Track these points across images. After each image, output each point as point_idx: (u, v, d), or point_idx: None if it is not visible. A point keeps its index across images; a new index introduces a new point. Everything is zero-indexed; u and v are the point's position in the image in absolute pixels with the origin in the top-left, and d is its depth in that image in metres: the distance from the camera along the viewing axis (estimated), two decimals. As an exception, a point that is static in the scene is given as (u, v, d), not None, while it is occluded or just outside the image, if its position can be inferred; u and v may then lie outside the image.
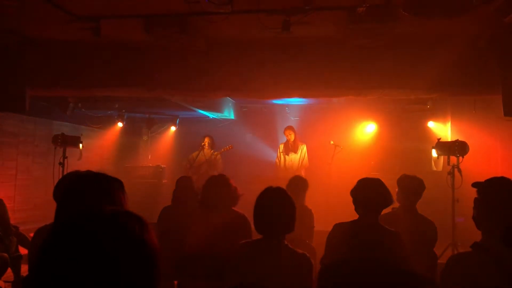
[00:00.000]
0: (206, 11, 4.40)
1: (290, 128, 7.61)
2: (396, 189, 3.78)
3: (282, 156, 7.63)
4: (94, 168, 1.93)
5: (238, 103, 9.35)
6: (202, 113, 9.07)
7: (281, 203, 2.46)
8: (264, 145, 9.29)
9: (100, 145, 9.13)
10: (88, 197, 1.77)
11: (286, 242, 2.43)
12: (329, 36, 5.41)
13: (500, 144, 7.12)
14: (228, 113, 9.14)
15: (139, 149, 10.16)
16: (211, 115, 9.21)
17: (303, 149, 7.58)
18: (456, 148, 5.60)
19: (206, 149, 7.91)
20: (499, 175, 2.11)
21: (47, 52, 6.12)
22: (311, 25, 4.80)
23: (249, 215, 2.68)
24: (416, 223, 3.64)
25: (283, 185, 3.89)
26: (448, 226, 5.51)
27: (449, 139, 5.87)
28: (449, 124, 7.81)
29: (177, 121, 9.98)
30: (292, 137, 7.52)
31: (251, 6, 4.48)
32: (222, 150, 7.84)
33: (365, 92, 5.97)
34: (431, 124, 8.23)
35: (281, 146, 7.71)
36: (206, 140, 7.94)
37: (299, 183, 4.81)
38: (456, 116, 7.65)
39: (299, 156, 7.55)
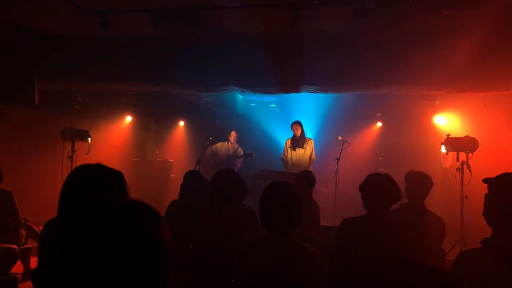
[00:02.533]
0: (214, 5, 4.39)
1: (297, 123, 7.59)
2: (404, 185, 3.76)
3: (289, 151, 7.62)
4: (102, 162, 1.94)
5: (245, 98, 9.35)
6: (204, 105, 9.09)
7: (286, 198, 2.45)
8: (272, 140, 9.29)
9: (109, 139, 9.16)
10: (95, 189, 1.79)
11: (292, 237, 2.43)
12: (338, 30, 5.38)
13: (510, 140, 7.05)
14: (236, 107, 9.14)
15: (147, 144, 10.19)
16: (218, 110, 9.22)
17: (310, 143, 7.56)
18: (465, 144, 5.55)
19: (231, 144, 7.98)
20: (509, 171, 2.08)
21: (56, 46, 6.15)
22: (320, 20, 4.78)
23: (257, 209, 2.68)
24: (424, 219, 3.62)
25: (290, 180, 3.89)
26: (457, 223, 5.48)
27: (458, 135, 5.81)
28: (458, 120, 7.74)
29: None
30: (298, 131, 7.51)
31: (259, 0, 4.47)
32: (242, 155, 7.89)
33: (373, 88, 5.94)
34: (440, 120, 8.17)
35: (288, 141, 7.69)
36: (233, 134, 7.99)
37: (306, 178, 4.80)
38: (465, 112, 7.58)
39: (307, 151, 7.54)
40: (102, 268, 0.79)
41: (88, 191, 1.78)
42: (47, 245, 0.87)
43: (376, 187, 2.91)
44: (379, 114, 8.88)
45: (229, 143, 8.04)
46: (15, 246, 4.47)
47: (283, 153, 7.76)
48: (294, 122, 7.64)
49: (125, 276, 0.80)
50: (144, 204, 0.91)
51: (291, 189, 2.51)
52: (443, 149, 5.91)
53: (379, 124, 8.96)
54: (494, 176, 2.04)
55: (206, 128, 8.65)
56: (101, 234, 0.82)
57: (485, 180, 2.05)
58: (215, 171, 4.99)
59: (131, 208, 0.88)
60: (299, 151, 7.54)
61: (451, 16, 4.35)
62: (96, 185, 1.80)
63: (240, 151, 7.97)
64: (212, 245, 3.25)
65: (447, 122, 8.04)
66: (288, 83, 5.98)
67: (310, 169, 7.44)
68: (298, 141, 7.54)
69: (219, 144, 8.08)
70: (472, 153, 5.55)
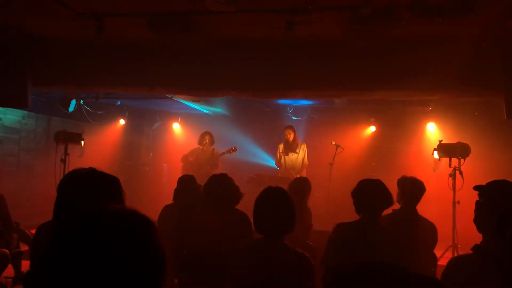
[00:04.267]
0: (210, 10, 4.40)
1: (289, 127, 7.62)
2: (397, 190, 3.78)
3: (282, 156, 7.64)
4: (96, 165, 1.94)
5: (239, 101, 9.35)
6: (199, 110, 9.09)
7: (281, 203, 2.47)
8: (265, 144, 9.30)
9: (102, 142, 9.13)
10: (90, 195, 1.78)
11: (286, 242, 2.44)
12: (333, 36, 5.41)
13: (501, 147, 7.12)
14: (222, 109, 9.14)
15: (140, 147, 10.17)
16: (205, 110, 9.20)
17: (303, 148, 7.58)
18: (458, 150, 5.60)
19: (207, 146, 7.90)
20: (500, 178, 2.11)
21: (49, 49, 6.13)
22: (315, 26, 4.80)
23: (250, 214, 2.68)
24: (416, 225, 3.64)
25: (284, 185, 3.91)
26: (449, 228, 5.52)
27: (451, 141, 5.86)
28: (451, 126, 7.80)
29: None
30: (291, 136, 7.52)
31: (255, 5, 4.49)
32: (226, 151, 7.81)
33: (367, 93, 5.97)
34: (433, 126, 8.24)
35: (281, 146, 7.72)
36: (207, 138, 7.93)
37: (303, 184, 4.80)
38: (458, 118, 7.65)
39: (300, 156, 7.55)
40: (97, 276, 0.80)
41: (84, 197, 1.77)
42: (42, 251, 0.87)
43: (368, 193, 2.93)
44: (372, 119, 8.94)
45: (203, 146, 7.93)
46: (6, 250, 4.43)
47: (276, 158, 7.77)
48: (287, 127, 7.66)
49: (121, 283, 0.81)
50: (139, 213, 0.92)
51: (285, 194, 2.52)
52: (435, 154, 5.94)
53: (372, 128, 9.01)
54: (485, 183, 2.06)
55: (201, 131, 8.62)
56: (96, 242, 0.83)
57: (475, 188, 2.07)
58: (198, 175, 4.99)
59: (126, 217, 0.89)
60: (292, 155, 7.56)
61: (444, 23, 4.39)
62: (91, 190, 1.79)
63: (217, 152, 7.91)
64: (205, 250, 3.25)
65: (440, 127, 8.10)
66: (284, 88, 5.99)
67: (304, 173, 7.46)
68: (290, 146, 7.55)
69: (193, 150, 8.01)
70: (465, 159, 5.59)
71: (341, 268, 1.74)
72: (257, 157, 9.18)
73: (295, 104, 9.01)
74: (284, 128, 7.70)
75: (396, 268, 1.67)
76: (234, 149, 7.79)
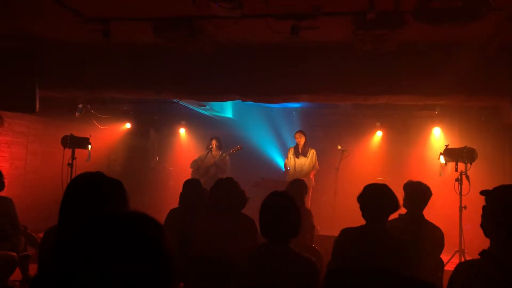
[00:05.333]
0: (215, 15, 4.43)
1: (300, 131, 7.64)
2: (403, 195, 3.76)
3: (292, 159, 7.64)
4: (101, 169, 1.96)
5: (245, 105, 9.38)
6: (205, 114, 9.12)
7: (287, 208, 2.46)
8: (271, 148, 9.30)
9: (108, 146, 9.18)
10: (95, 199, 1.79)
11: (291, 246, 2.43)
12: (338, 41, 5.42)
13: (508, 151, 7.08)
14: (227, 113, 9.16)
15: (146, 151, 10.19)
16: (210, 114, 9.23)
17: (313, 153, 7.59)
18: (464, 155, 5.57)
19: (214, 151, 7.92)
20: (507, 182, 2.10)
21: (57, 53, 6.19)
22: (320, 30, 4.81)
23: (255, 217, 2.69)
24: (422, 230, 3.63)
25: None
26: (455, 233, 5.48)
27: (457, 146, 5.83)
28: (457, 131, 7.77)
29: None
30: (302, 140, 7.54)
31: (260, 10, 4.51)
32: (231, 151, 7.83)
33: (373, 98, 5.97)
34: (439, 130, 8.20)
35: (291, 150, 7.73)
36: (214, 142, 7.95)
37: (299, 186, 4.83)
38: (464, 123, 7.62)
39: (309, 161, 7.55)
40: (107, 280, 0.80)
41: (89, 201, 1.79)
42: (50, 254, 0.88)
43: (374, 197, 2.92)
44: (378, 124, 8.90)
45: (211, 152, 7.92)
46: (13, 253, 4.46)
47: (287, 158, 7.77)
48: (298, 131, 7.68)
49: (131, 286, 0.81)
50: (149, 217, 0.93)
51: (291, 199, 2.52)
52: (442, 159, 5.92)
53: (379, 133, 8.98)
54: (491, 188, 2.05)
55: (206, 136, 8.65)
56: (107, 245, 0.83)
57: (482, 192, 2.06)
58: (205, 179, 4.98)
59: (137, 220, 0.90)
60: (302, 159, 7.57)
61: (450, 28, 4.38)
62: (97, 194, 1.81)
63: (226, 157, 7.92)
64: (211, 254, 3.26)
65: (446, 132, 8.07)
66: (288, 92, 6.01)
67: (311, 176, 7.46)
68: (300, 150, 7.57)
69: (202, 156, 8.03)
70: (471, 164, 5.56)
71: (339, 271, 1.74)
72: (262, 161, 9.17)
73: (300, 107, 9.01)
74: (295, 133, 7.73)
75: (392, 273, 1.67)
76: (239, 148, 7.80)
